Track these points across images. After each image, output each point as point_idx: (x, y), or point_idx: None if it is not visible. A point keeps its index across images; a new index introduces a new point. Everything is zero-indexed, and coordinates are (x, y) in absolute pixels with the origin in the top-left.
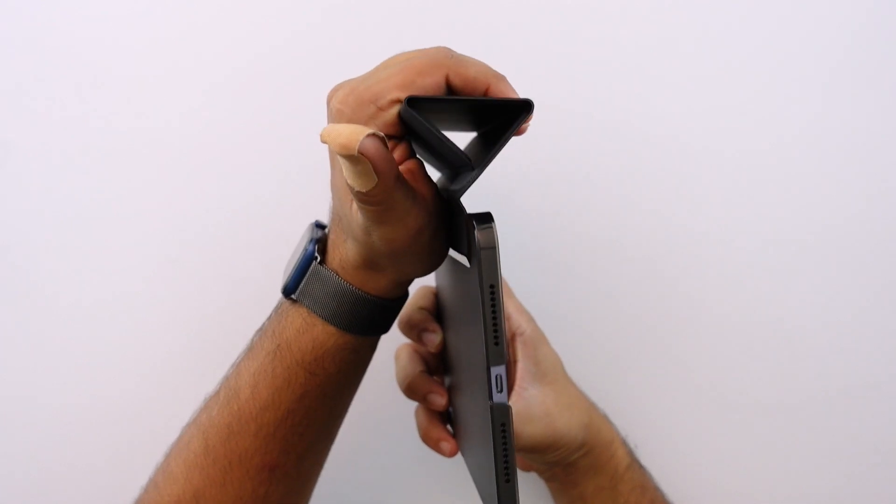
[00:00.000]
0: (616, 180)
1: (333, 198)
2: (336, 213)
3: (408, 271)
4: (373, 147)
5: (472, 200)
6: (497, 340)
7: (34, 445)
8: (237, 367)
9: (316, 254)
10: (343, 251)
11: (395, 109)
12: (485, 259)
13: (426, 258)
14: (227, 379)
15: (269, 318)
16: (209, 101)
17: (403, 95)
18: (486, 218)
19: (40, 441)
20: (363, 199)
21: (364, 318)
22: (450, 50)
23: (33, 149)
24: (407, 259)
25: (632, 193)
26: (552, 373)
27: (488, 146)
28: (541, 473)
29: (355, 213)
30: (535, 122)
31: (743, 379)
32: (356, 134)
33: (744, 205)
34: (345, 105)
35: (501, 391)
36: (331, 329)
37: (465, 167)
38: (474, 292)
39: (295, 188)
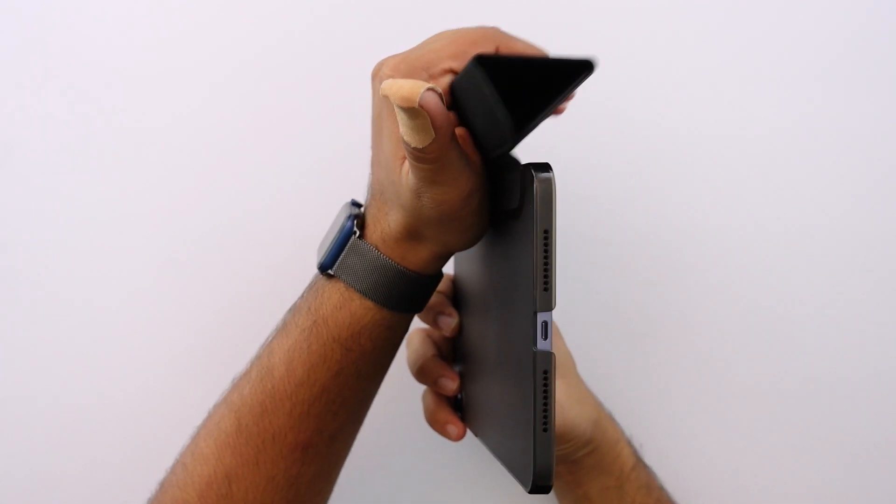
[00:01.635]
0: (619, 178)
1: (376, 171)
2: (379, 186)
3: (450, 242)
4: (433, 101)
5: None
6: (546, 286)
7: (38, 445)
8: (269, 346)
9: (355, 228)
10: (384, 224)
11: (446, 78)
12: (542, 203)
13: (471, 227)
14: (258, 358)
15: (303, 296)
16: (212, 101)
17: (456, 65)
18: (545, 167)
19: (44, 441)
20: (419, 155)
21: (402, 293)
22: (498, 28)
23: (33, 149)
24: (453, 226)
25: (636, 192)
26: (564, 367)
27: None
28: None
29: (405, 177)
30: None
31: (750, 378)
32: (417, 87)
33: (751, 204)
34: (396, 72)
35: (546, 339)
36: (368, 304)
37: (506, 143)
38: (525, 241)
39: (300, 188)
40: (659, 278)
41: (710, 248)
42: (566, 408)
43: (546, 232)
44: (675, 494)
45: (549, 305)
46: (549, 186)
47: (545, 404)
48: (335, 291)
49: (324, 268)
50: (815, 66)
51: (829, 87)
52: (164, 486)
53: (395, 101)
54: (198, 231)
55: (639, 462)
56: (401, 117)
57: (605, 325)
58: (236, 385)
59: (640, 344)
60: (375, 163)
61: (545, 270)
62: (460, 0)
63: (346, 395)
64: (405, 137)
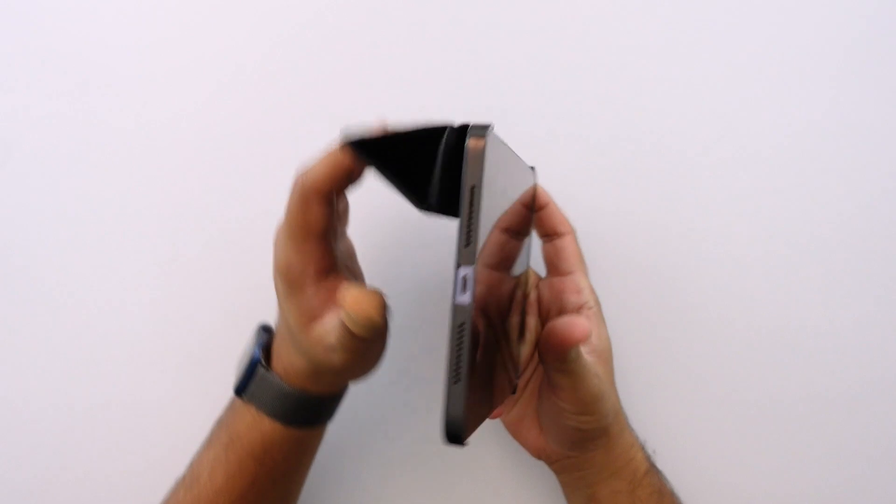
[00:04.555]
0: (620, 182)
1: (287, 317)
2: (288, 330)
3: (351, 377)
4: (382, 306)
5: None
6: (469, 242)
7: (36, 446)
8: (199, 454)
9: (261, 359)
10: (288, 361)
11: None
12: (470, 160)
13: (369, 370)
14: (191, 464)
15: (225, 409)
16: (213, 100)
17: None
18: (483, 127)
19: (41, 441)
20: (358, 342)
21: (308, 413)
22: None
23: (33, 149)
24: (355, 372)
25: (639, 196)
26: (604, 353)
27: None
28: (551, 463)
29: (320, 340)
30: (539, 123)
31: (758, 382)
32: (375, 299)
33: (756, 210)
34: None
35: (465, 292)
36: (277, 425)
37: (421, 206)
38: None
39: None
40: (665, 282)
41: (720, 252)
42: (603, 381)
43: (473, 188)
44: (686, 499)
45: (469, 260)
46: (479, 142)
47: (458, 357)
48: (247, 413)
49: (237, 392)
50: (827, 67)
51: (842, 89)
52: None
53: (359, 317)
54: (199, 230)
55: (651, 468)
56: (347, 320)
57: (613, 328)
58: (174, 490)
59: (650, 348)
60: (289, 311)
61: (468, 226)
62: (463, 1)
63: (263, 501)
64: (351, 328)
